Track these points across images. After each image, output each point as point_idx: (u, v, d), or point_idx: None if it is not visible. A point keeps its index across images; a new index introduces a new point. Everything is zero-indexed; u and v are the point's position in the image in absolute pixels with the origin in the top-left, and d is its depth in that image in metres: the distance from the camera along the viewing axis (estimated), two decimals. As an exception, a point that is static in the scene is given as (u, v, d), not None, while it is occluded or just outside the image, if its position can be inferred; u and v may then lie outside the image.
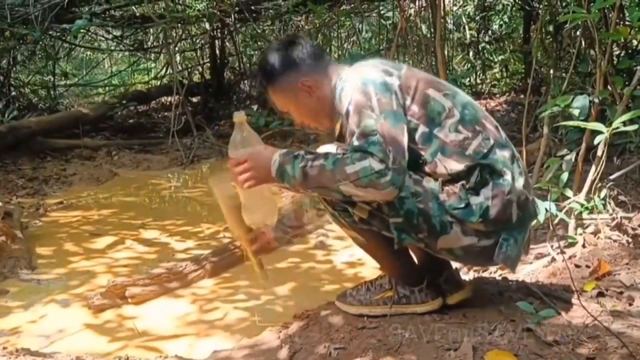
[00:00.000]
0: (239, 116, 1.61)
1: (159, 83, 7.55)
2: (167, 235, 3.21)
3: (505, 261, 1.60)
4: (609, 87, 2.35)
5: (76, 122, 5.67)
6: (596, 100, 2.31)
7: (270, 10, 6.20)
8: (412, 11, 5.42)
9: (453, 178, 1.57)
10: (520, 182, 1.60)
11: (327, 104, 1.70)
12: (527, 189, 1.63)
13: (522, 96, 6.14)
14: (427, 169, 1.58)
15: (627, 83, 2.45)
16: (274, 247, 1.88)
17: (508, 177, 1.57)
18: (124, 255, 2.92)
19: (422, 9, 5.38)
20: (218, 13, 5.62)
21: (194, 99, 7.13)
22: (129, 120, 6.73)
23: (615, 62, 2.53)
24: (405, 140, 1.52)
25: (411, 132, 1.57)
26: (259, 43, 6.60)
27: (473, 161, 1.57)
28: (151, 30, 6.49)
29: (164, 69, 7.26)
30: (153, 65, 8.49)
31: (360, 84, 1.57)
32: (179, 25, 6.01)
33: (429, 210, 1.55)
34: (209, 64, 7.18)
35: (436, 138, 1.58)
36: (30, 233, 3.25)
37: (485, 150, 1.57)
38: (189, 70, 7.05)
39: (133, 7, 6.05)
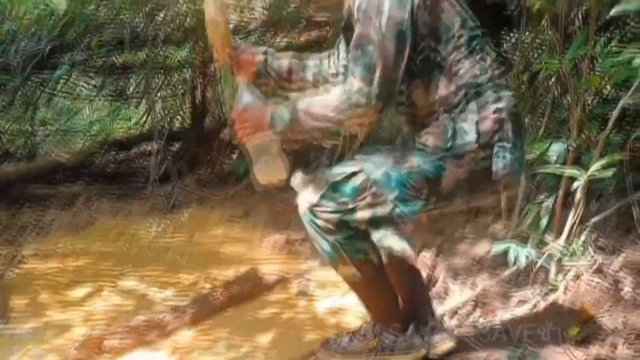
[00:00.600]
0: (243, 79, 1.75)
1: (140, 130, 7.56)
2: (146, 285, 3.16)
3: (508, 172, 1.59)
4: (584, 133, 2.40)
5: (55, 170, 5.63)
6: (572, 147, 2.35)
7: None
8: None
9: (440, 103, 1.59)
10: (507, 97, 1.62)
11: None
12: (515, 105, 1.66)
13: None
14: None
15: (602, 128, 2.50)
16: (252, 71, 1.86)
17: (494, 95, 1.59)
18: (101, 306, 2.85)
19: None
20: (199, 60, 5.69)
21: (175, 145, 7.13)
22: (108, 167, 6.69)
23: (589, 108, 2.60)
24: (400, 65, 1.53)
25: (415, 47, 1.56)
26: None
27: (463, 87, 1.58)
28: (132, 77, 6.51)
29: (145, 115, 7.29)
30: (134, 111, 8.52)
31: None
32: (161, 72, 6.05)
33: (415, 170, 1.58)
34: (190, 111, 7.22)
35: (437, 54, 1.59)
36: (4, 284, 3.17)
37: (479, 81, 1.59)
38: (170, 117, 7.07)
39: (114, 56, 6.10)
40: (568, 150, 2.32)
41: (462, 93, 1.55)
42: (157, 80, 6.40)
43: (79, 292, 3.04)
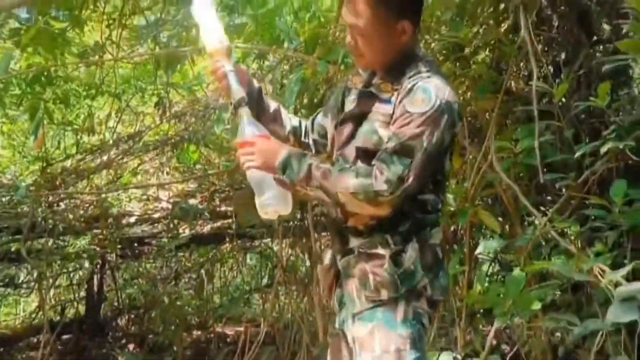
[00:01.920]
0: (244, 110, 1.65)
1: (29, 322, 7.09)
2: None
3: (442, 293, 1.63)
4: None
5: None
6: (459, 357, 2.47)
7: (154, 248, 6.27)
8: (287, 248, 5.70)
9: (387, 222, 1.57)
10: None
11: (392, 58, 1.61)
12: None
13: None
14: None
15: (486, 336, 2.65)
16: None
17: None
18: None
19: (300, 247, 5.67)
20: (99, 250, 5.61)
21: (65, 336, 6.70)
22: (-11, 362, 6.13)
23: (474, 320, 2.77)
24: (427, 180, 1.56)
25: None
26: (140, 280, 6.57)
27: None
28: (27, 266, 6.26)
29: (37, 309, 6.90)
30: (24, 299, 8.04)
31: (439, 105, 1.50)
32: (57, 262, 5.87)
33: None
34: (84, 300, 6.92)
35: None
36: None
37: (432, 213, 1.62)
38: (63, 306, 6.73)
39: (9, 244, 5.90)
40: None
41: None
42: (51, 270, 6.19)
43: None
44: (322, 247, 4.91)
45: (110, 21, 3.57)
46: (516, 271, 1.82)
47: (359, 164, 1.59)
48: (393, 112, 1.55)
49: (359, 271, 1.60)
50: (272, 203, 1.64)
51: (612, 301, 1.48)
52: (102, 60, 3.57)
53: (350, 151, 1.63)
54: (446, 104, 1.50)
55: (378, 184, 1.47)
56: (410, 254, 1.57)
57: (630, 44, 1.89)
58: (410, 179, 1.48)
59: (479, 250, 2.15)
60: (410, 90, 1.52)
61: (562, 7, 3.14)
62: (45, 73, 3.65)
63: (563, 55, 3.02)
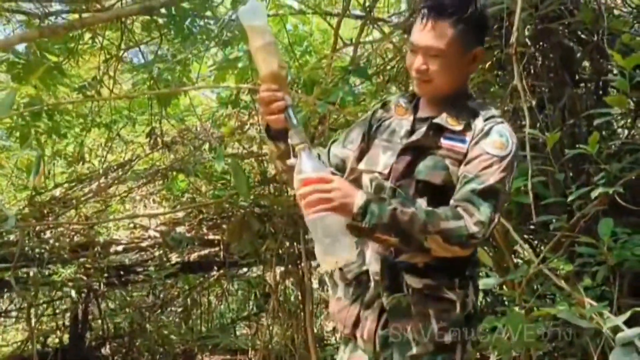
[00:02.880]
0: (302, 145, 1.45)
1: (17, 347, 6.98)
2: None
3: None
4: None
5: None
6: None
7: (140, 276, 6.25)
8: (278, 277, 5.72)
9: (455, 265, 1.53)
10: None
11: (457, 87, 1.58)
12: None
13: None
14: None
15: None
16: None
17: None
18: None
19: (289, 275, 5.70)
20: (85, 278, 5.59)
21: (49, 365, 6.60)
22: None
23: None
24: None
25: None
26: (127, 310, 6.53)
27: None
28: (12, 294, 6.19)
29: (24, 341, 6.80)
30: (14, 327, 7.91)
31: (515, 151, 1.51)
32: (44, 291, 5.82)
33: None
34: (69, 329, 6.84)
35: None
36: None
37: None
38: (47, 336, 6.64)
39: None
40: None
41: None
42: (36, 299, 6.12)
43: None
44: (313, 275, 4.95)
45: (107, 55, 3.63)
46: (516, 310, 1.89)
47: (419, 199, 1.53)
48: (467, 152, 1.52)
49: (419, 313, 1.54)
50: (343, 252, 1.44)
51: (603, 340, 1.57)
52: (98, 98, 3.61)
53: (410, 183, 1.56)
54: (517, 149, 1.53)
55: (470, 226, 1.42)
56: (471, 297, 1.56)
57: (615, 99, 2.01)
58: (496, 220, 1.46)
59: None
60: (488, 132, 1.51)
61: (545, 46, 3.27)
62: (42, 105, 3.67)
63: (546, 89, 3.14)
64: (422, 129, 1.56)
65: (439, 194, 1.52)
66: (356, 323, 1.62)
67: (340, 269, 1.68)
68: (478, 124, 1.53)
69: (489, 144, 1.49)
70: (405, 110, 1.64)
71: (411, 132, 1.60)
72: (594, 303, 1.80)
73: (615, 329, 1.57)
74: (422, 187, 1.53)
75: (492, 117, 1.55)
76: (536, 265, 1.96)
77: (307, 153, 1.45)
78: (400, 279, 1.55)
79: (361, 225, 1.43)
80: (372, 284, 1.60)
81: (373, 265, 1.59)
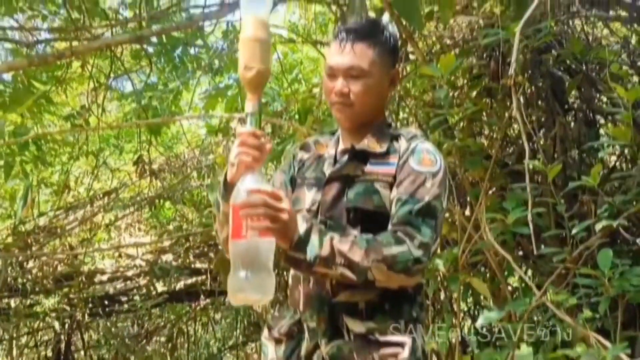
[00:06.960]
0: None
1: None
2: None
3: None
4: None
5: None
6: None
7: (125, 305, 6.13)
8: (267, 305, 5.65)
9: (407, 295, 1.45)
10: None
11: (378, 111, 1.54)
12: None
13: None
14: None
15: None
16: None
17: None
18: None
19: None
20: (68, 309, 5.47)
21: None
22: None
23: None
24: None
25: None
26: (112, 342, 6.40)
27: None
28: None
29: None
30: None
31: (444, 167, 1.46)
32: (27, 322, 5.69)
33: None
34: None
35: None
36: None
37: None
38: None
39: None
40: None
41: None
42: (17, 331, 5.97)
43: None
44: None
45: (96, 83, 3.59)
46: (524, 347, 1.87)
47: (350, 228, 1.42)
48: (396, 173, 1.45)
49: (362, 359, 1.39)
50: (259, 294, 1.26)
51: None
52: (87, 128, 3.57)
53: (340, 213, 1.46)
54: (446, 167, 1.48)
55: (414, 250, 1.33)
56: (420, 342, 1.43)
57: (619, 131, 2.02)
58: (437, 242, 1.39)
59: (479, 322, 2.19)
60: (414, 150, 1.46)
61: (536, 75, 3.31)
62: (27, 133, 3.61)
63: (534, 118, 3.16)
64: (345, 158, 1.50)
65: (372, 221, 1.43)
66: None
67: (269, 328, 1.54)
68: (402, 144, 1.49)
69: (418, 161, 1.44)
70: (325, 146, 1.60)
71: (334, 163, 1.54)
72: (600, 337, 1.77)
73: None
74: (354, 215, 1.44)
75: (415, 136, 1.51)
76: (538, 298, 1.93)
77: (259, 172, 1.31)
78: (339, 322, 1.42)
79: (300, 258, 1.31)
80: (306, 334, 1.46)
81: (307, 310, 1.45)
